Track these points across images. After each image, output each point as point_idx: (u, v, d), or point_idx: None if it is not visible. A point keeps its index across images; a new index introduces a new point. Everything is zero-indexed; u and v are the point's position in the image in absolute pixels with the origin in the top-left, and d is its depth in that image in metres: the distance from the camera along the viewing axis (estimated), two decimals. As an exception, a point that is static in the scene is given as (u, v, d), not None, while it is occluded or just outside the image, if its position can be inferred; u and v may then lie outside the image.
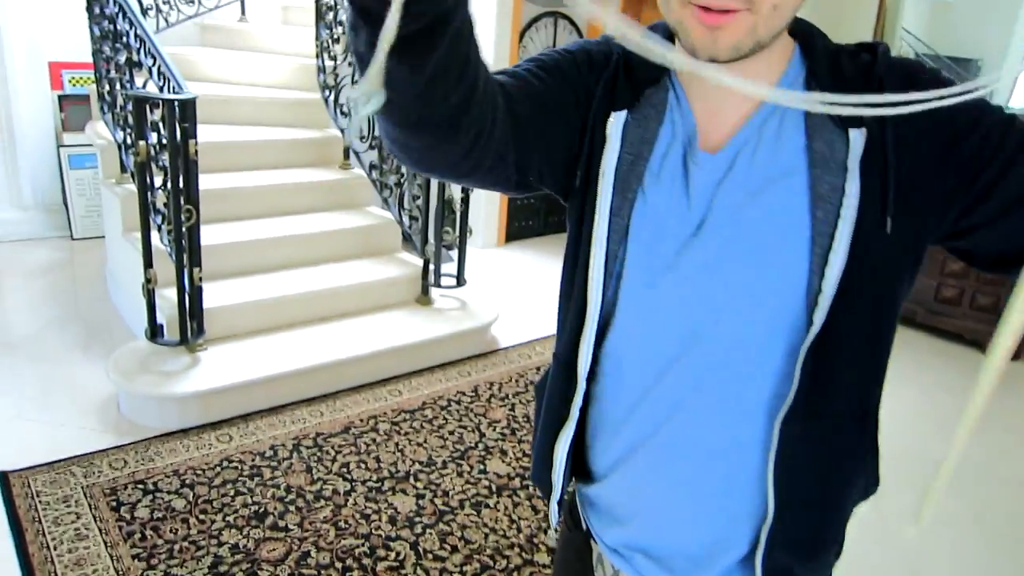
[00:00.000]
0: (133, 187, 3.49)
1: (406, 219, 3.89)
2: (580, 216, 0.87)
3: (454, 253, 4.03)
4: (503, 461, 2.83)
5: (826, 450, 0.82)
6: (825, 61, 0.79)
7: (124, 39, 3.23)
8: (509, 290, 4.62)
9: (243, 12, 5.32)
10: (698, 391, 0.82)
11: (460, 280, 3.90)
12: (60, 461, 2.63)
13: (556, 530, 1.05)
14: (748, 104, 0.79)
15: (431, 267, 3.82)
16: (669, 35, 0.80)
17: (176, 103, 2.71)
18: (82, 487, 2.50)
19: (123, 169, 3.62)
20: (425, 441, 2.92)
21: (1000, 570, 2.51)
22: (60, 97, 4.95)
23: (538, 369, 3.60)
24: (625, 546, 0.93)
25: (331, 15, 4.18)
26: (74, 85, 4.99)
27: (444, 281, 3.91)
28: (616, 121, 0.83)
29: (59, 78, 4.95)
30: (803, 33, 0.81)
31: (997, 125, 0.73)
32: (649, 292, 0.83)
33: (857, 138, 0.74)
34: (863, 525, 2.72)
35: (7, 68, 4.67)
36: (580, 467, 0.98)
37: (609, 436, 0.91)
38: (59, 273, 4.47)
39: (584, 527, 1.00)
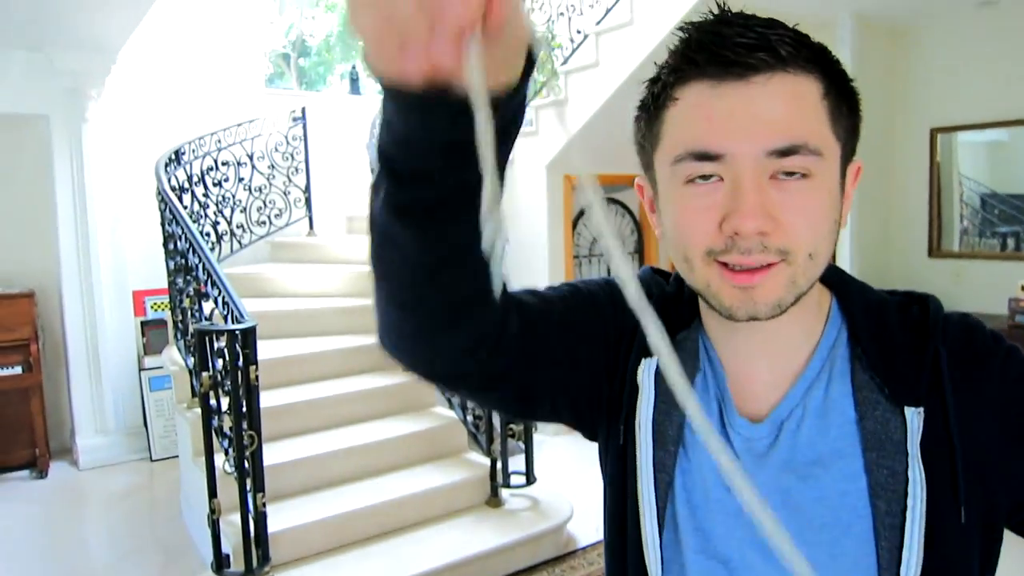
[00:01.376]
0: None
1: (470, 418, 3.85)
2: (621, 474, 0.79)
3: (521, 455, 3.94)
4: None
5: None
6: (868, 318, 0.72)
7: (194, 272, 3.43)
8: (584, 482, 4.44)
9: (311, 227, 5.65)
10: None
11: (530, 478, 3.78)
12: None
13: None
14: (788, 367, 0.73)
15: (499, 466, 3.72)
16: (693, 297, 0.77)
17: (238, 332, 2.80)
18: None
19: (193, 394, 3.72)
20: (501, 667, 2.71)
21: None
22: (142, 323, 5.24)
23: (619, 570, 3.38)
24: None
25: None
26: (155, 310, 5.29)
27: (513, 480, 3.79)
28: (647, 368, 0.77)
29: (142, 304, 5.27)
30: (836, 282, 0.76)
31: None
32: (708, 563, 0.74)
33: (914, 418, 0.66)
34: None
35: (95, 299, 4.99)
36: None
37: None
38: (138, 496, 4.53)
39: None
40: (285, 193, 5.55)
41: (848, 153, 0.69)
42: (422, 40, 0.42)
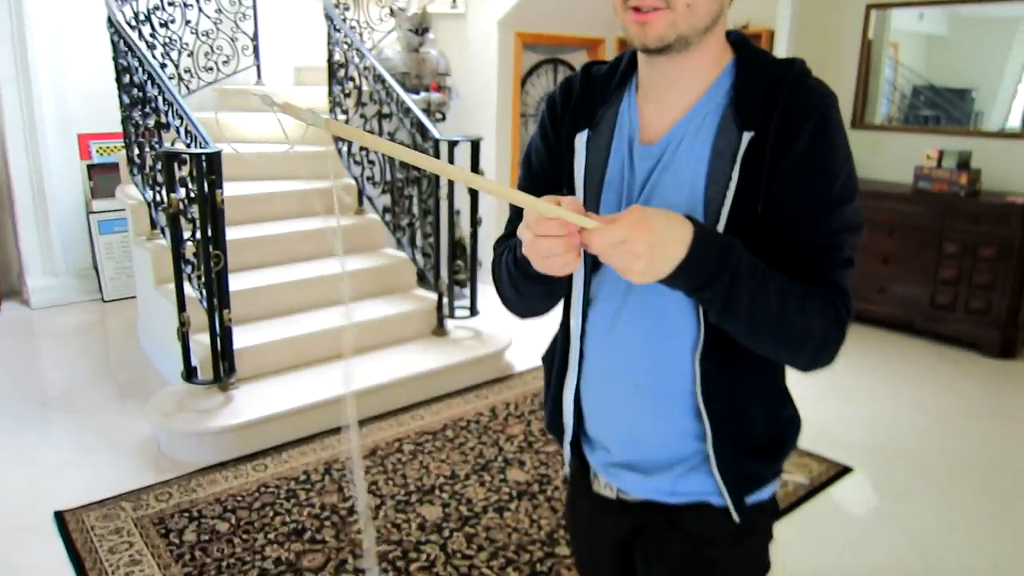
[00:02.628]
0: (163, 242, 3.74)
1: (419, 257, 4.12)
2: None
3: (466, 290, 4.25)
4: (522, 470, 3.00)
5: (736, 370, 1.02)
6: (749, 70, 1.00)
7: (153, 104, 3.51)
8: (519, 321, 4.81)
9: (259, 76, 5.64)
10: (637, 328, 1.04)
11: (473, 310, 4.11)
12: (110, 499, 2.81)
13: (566, 468, 1.23)
14: (684, 103, 1.01)
15: (445, 300, 4.03)
16: (632, 60, 1.04)
17: (203, 157, 2.96)
18: (132, 519, 2.68)
19: (153, 226, 3.87)
20: (448, 458, 3.09)
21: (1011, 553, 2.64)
22: (89, 167, 5.26)
23: (552, 390, 3.78)
24: (610, 464, 1.13)
25: (342, 72, 4.48)
26: (101, 154, 5.30)
27: (458, 313, 4.12)
28: (580, 139, 1.08)
29: (87, 149, 5.27)
30: (740, 43, 1.03)
31: (823, 200, 0.95)
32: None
33: (745, 137, 0.95)
34: (875, 514, 2.87)
35: (39, 141, 4.98)
36: (578, 421, 1.17)
37: (590, 376, 1.12)
38: (92, 333, 4.70)
39: (583, 459, 1.20)
40: (232, 40, 5.49)
41: None
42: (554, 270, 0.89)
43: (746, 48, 1.03)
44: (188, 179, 3.13)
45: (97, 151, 5.30)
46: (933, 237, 4.52)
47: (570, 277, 1.08)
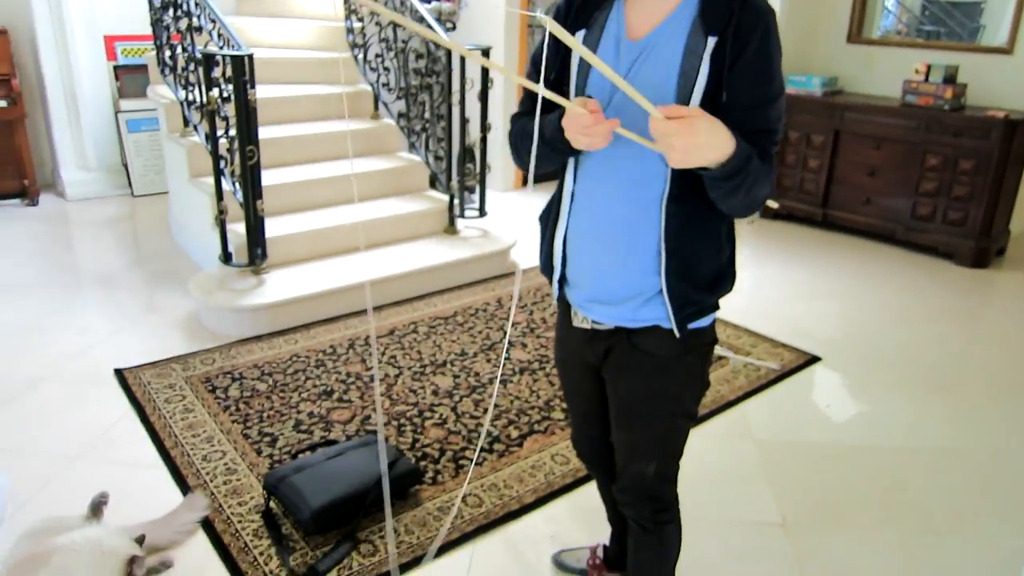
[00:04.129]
0: (196, 139, 4.05)
1: (432, 160, 4.41)
2: (561, 91, 1.41)
3: (475, 193, 4.56)
4: (524, 351, 3.39)
5: (691, 216, 1.36)
6: None
7: (184, 7, 3.75)
8: (524, 224, 5.14)
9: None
10: (617, 184, 1.37)
11: (482, 211, 4.43)
12: (161, 361, 3.21)
13: (557, 304, 1.61)
14: (662, 12, 1.32)
15: (456, 201, 4.35)
16: None
17: (241, 58, 3.23)
18: (183, 378, 3.08)
19: (186, 124, 4.16)
20: (458, 339, 3.48)
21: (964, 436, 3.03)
22: (115, 67, 5.50)
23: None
24: (586, 300, 1.49)
25: (357, -20, 4.67)
26: (127, 56, 5.53)
27: (468, 214, 4.44)
28: (578, 36, 1.39)
29: (113, 50, 5.49)
30: None
31: (761, 94, 1.28)
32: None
33: (710, 40, 1.26)
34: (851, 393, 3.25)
35: (68, 43, 5.21)
36: (563, 264, 1.51)
37: (574, 226, 1.46)
38: (125, 224, 5.05)
39: (564, 298, 1.56)
40: (249, -55, 5.64)
41: None
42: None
43: None
44: (220, 80, 3.41)
45: (123, 52, 5.53)
46: (917, 150, 4.78)
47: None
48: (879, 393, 3.23)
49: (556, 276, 1.53)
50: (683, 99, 1.28)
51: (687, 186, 1.32)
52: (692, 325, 1.42)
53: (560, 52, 1.43)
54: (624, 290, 1.42)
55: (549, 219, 1.54)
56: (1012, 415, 3.09)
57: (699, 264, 1.39)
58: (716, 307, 1.46)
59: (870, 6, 5.40)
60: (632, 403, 1.51)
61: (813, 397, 3.22)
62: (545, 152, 1.39)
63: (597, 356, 1.54)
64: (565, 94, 1.41)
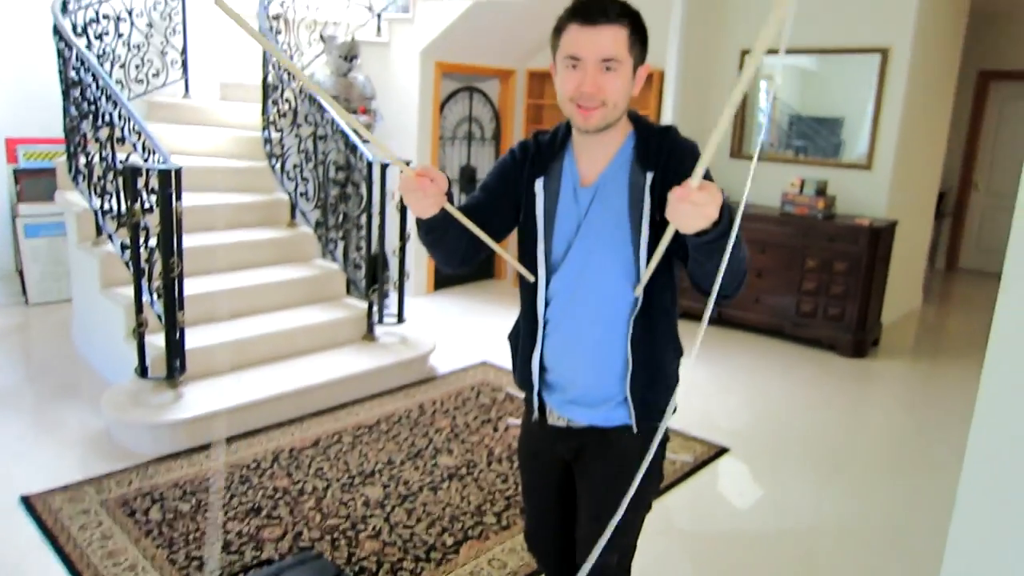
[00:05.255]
0: (110, 248, 3.99)
1: (350, 268, 4.49)
2: (531, 235, 1.62)
3: (388, 301, 4.65)
4: (450, 456, 3.44)
5: (652, 332, 1.55)
6: (644, 136, 1.55)
7: (107, 117, 3.76)
8: (440, 328, 5.26)
9: (187, 89, 5.86)
10: (588, 308, 1.55)
11: (401, 317, 4.52)
12: (72, 484, 3.07)
13: (534, 413, 1.73)
14: (605, 159, 1.54)
15: (374, 308, 4.42)
16: (568, 129, 1.53)
17: (169, 172, 3.27)
18: (98, 501, 2.96)
19: (99, 233, 4.10)
20: (384, 447, 3.50)
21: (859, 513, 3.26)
22: (15, 171, 5.36)
23: (472, 388, 4.23)
24: (563, 402, 1.66)
25: (276, 93, 4.81)
26: (29, 159, 5.42)
27: (386, 320, 4.51)
28: (539, 184, 1.61)
29: (14, 153, 5.37)
30: (636, 119, 1.58)
31: None
32: (563, 263, 1.58)
33: (649, 176, 1.49)
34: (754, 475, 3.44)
35: (-36, 148, 5.07)
36: (540, 370, 1.66)
37: (551, 344, 1.63)
38: (21, 335, 4.84)
39: (541, 403, 1.70)
40: (163, 53, 5.71)
41: (640, 59, 1.48)
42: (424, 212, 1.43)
43: (639, 120, 1.58)
44: (143, 191, 3.42)
45: (24, 156, 5.41)
46: (797, 254, 5.24)
47: (469, 235, 1.56)
48: (784, 479, 3.46)
49: (535, 388, 1.68)
50: (636, 227, 1.49)
51: (649, 304, 1.53)
52: (652, 424, 1.60)
53: (514, 183, 1.63)
54: (598, 395, 1.60)
55: (519, 339, 1.71)
56: (902, 490, 3.39)
57: (658, 372, 1.58)
58: (673, 409, 1.62)
59: (748, 127, 5.96)
60: (603, 495, 1.64)
61: (725, 486, 3.40)
62: (430, 239, 1.59)
63: (570, 452, 1.70)
64: (535, 238, 1.61)
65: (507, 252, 1.62)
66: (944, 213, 8.03)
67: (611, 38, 1.42)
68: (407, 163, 1.44)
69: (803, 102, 5.82)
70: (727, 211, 1.30)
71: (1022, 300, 1.19)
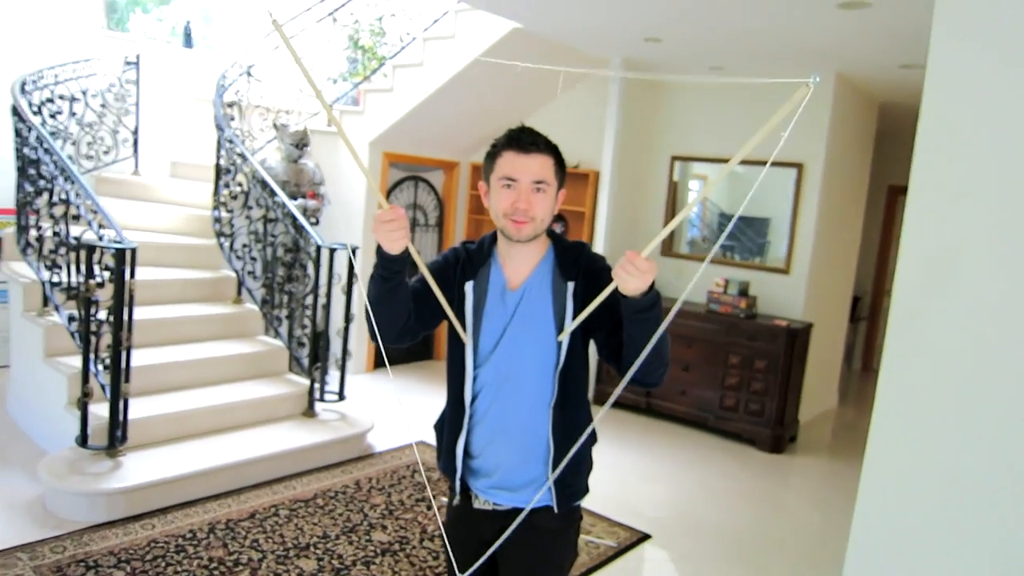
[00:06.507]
0: (55, 319, 4.07)
1: (294, 345, 4.63)
2: (457, 333, 1.80)
3: (329, 378, 4.79)
4: (384, 532, 3.55)
5: (571, 420, 1.76)
6: (561, 250, 1.80)
7: (63, 195, 3.90)
8: (379, 407, 5.38)
9: (136, 167, 6.02)
10: (515, 398, 1.74)
11: (342, 395, 4.64)
12: (5, 550, 3.08)
13: (456, 498, 1.87)
14: (529, 267, 1.77)
15: (316, 385, 4.55)
16: (492, 240, 1.78)
17: (126, 250, 3.42)
18: (31, 567, 2.97)
19: (45, 303, 4.17)
20: (319, 521, 3.58)
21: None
22: (-42, 239, 5.38)
23: (408, 467, 4.36)
24: (488, 487, 1.81)
25: (228, 175, 5.01)
26: (-30, 229, 5.45)
27: (327, 397, 4.64)
28: (468, 286, 1.82)
29: (-45, 222, 5.40)
30: (553, 235, 1.83)
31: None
32: (491, 357, 1.75)
33: (570, 285, 1.74)
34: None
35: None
36: (465, 456, 1.83)
37: (478, 432, 1.79)
38: (-50, 401, 4.77)
39: (466, 488, 1.85)
40: (114, 132, 5.88)
41: (560, 184, 1.76)
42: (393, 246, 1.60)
43: (555, 236, 1.84)
44: (96, 266, 3.55)
45: (-34, 225, 5.44)
46: (721, 350, 5.58)
47: (412, 309, 1.75)
48: (703, 568, 3.64)
49: (458, 475, 1.83)
50: (559, 326, 1.72)
51: (567, 392, 1.73)
52: (571, 504, 1.78)
53: (448, 279, 1.82)
54: (521, 479, 1.77)
55: (444, 429, 1.88)
56: (811, 584, 3.59)
57: (576, 456, 1.76)
58: (587, 490, 1.82)
59: (678, 226, 6.40)
60: (525, 570, 1.80)
61: (646, 573, 3.58)
62: (386, 294, 1.68)
63: (493, 532, 1.82)
64: (463, 325, 1.80)
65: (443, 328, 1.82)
66: (860, 317, 8.56)
67: (540, 164, 1.69)
68: (379, 206, 1.59)
69: (731, 203, 6.29)
70: (655, 287, 1.57)
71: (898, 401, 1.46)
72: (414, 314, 1.74)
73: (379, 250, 1.62)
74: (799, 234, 5.76)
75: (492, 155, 1.74)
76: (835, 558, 3.91)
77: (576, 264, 1.75)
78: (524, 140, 1.69)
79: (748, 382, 5.48)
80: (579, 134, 6.29)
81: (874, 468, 1.79)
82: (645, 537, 3.86)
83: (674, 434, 5.65)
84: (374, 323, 1.71)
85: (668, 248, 6.38)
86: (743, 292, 5.65)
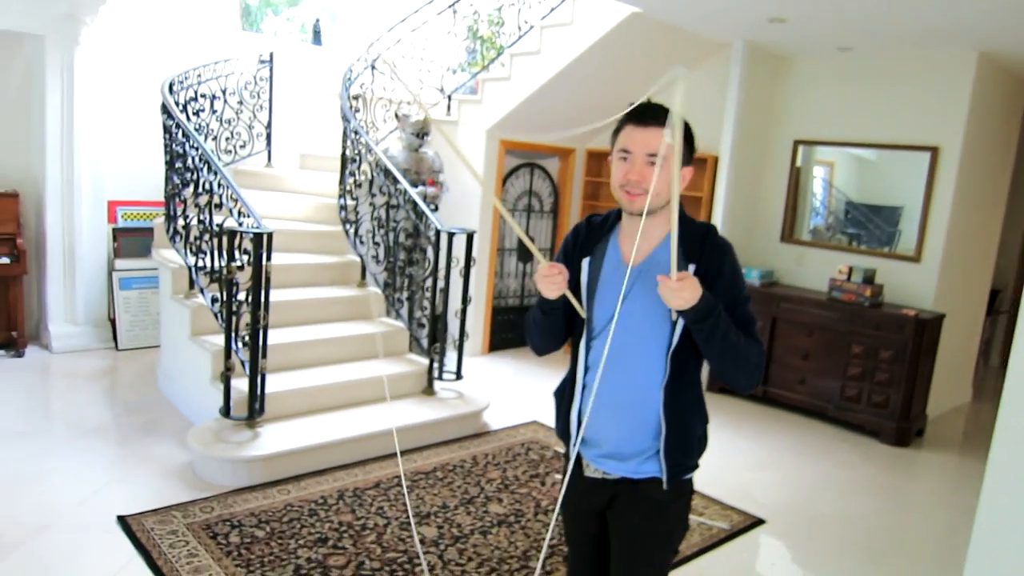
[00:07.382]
0: (200, 300, 4.41)
1: (415, 327, 4.84)
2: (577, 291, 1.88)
3: (447, 359, 4.97)
4: (500, 505, 3.68)
5: (682, 399, 1.79)
6: (688, 227, 1.80)
7: (207, 185, 4.23)
8: (494, 387, 5.54)
9: (269, 159, 6.40)
10: (626, 375, 1.79)
11: (459, 374, 4.82)
12: (161, 508, 3.40)
13: (572, 462, 1.94)
14: (651, 244, 1.80)
15: (435, 364, 4.74)
16: (618, 215, 1.83)
17: (262, 235, 3.68)
18: (184, 524, 3.28)
19: (191, 286, 4.54)
20: (439, 492, 3.76)
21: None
22: (114, 230, 5.91)
23: (522, 444, 4.48)
24: (599, 456, 1.88)
25: (354, 165, 5.27)
26: (126, 220, 5.97)
27: (446, 376, 4.82)
28: (585, 262, 1.89)
29: (114, 214, 5.93)
30: (681, 215, 1.83)
31: (739, 300, 1.77)
32: (604, 331, 1.81)
33: (692, 266, 1.76)
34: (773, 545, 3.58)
35: (75, 208, 5.63)
36: (578, 426, 1.91)
37: (590, 403, 1.86)
38: (110, 376, 5.27)
39: (579, 457, 1.93)
40: (250, 127, 6.28)
41: (684, 162, 1.75)
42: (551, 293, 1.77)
43: (683, 215, 1.83)
44: (236, 251, 3.83)
45: (123, 216, 5.96)
46: (843, 339, 5.41)
47: (567, 324, 1.90)
48: (819, 559, 3.58)
49: (573, 441, 1.91)
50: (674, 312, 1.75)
51: (679, 374, 1.77)
52: (680, 478, 1.83)
53: (571, 260, 1.91)
54: (630, 450, 1.83)
55: (563, 397, 1.96)
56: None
57: (687, 434, 1.81)
58: (697, 466, 1.86)
59: (800, 211, 6.23)
60: (633, 539, 1.87)
61: (759, 557, 3.55)
62: (544, 322, 1.87)
63: (604, 501, 1.91)
64: (579, 300, 1.88)
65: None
66: (999, 310, 8.02)
67: (656, 137, 1.69)
68: (543, 253, 1.81)
69: (859, 190, 6.06)
70: (706, 300, 1.64)
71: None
72: (565, 328, 1.92)
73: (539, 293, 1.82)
74: (932, 221, 5.48)
75: (616, 130, 1.78)
76: (960, 559, 3.73)
77: (701, 245, 1.77)
78: (644, 113, 1.71)
79: (872, 372, 5.29)
80: (698, 118, 6.18)
81: (999, 466, 1.74)
82: (759, 522, 3.83)
83: (791, 423, 5.54)
84: (536, 339, 1.95)
85: (788, 235, 6.23)
86: (868, 280, 5.44)
